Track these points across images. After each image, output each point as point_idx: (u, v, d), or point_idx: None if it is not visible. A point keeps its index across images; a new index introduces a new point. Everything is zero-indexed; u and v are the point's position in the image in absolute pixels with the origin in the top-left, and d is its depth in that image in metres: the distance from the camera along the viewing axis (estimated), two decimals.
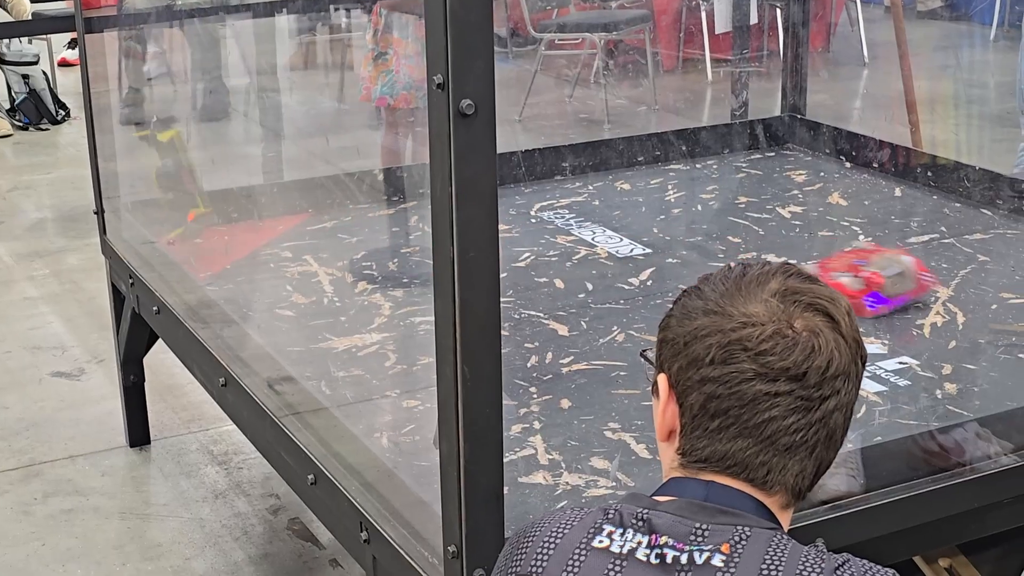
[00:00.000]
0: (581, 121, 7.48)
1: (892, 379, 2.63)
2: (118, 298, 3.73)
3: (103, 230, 3.77)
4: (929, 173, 3.88)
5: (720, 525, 1.42)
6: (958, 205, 3.71)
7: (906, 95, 4.67)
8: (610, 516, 1.46)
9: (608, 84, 7.51)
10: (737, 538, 1.41)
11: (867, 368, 2.62)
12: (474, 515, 1.81)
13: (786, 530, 1.52)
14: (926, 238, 3.46)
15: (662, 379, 1.51)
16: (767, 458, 1.45)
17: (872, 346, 2.79)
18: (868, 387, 2.59)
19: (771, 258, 3.31)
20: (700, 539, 1.42)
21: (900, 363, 2.71)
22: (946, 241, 3.42)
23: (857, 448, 2.30)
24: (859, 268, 2.99)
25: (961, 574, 2.89)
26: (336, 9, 7.02)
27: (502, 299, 3.09)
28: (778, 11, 6.79)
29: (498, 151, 4.26)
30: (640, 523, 1.44)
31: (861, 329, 2.78)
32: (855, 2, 9.27)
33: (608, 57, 7.83)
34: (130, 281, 3.47)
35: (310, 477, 2.37)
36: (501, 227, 3.62)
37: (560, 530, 1.48)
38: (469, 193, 1.68)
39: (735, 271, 1.52)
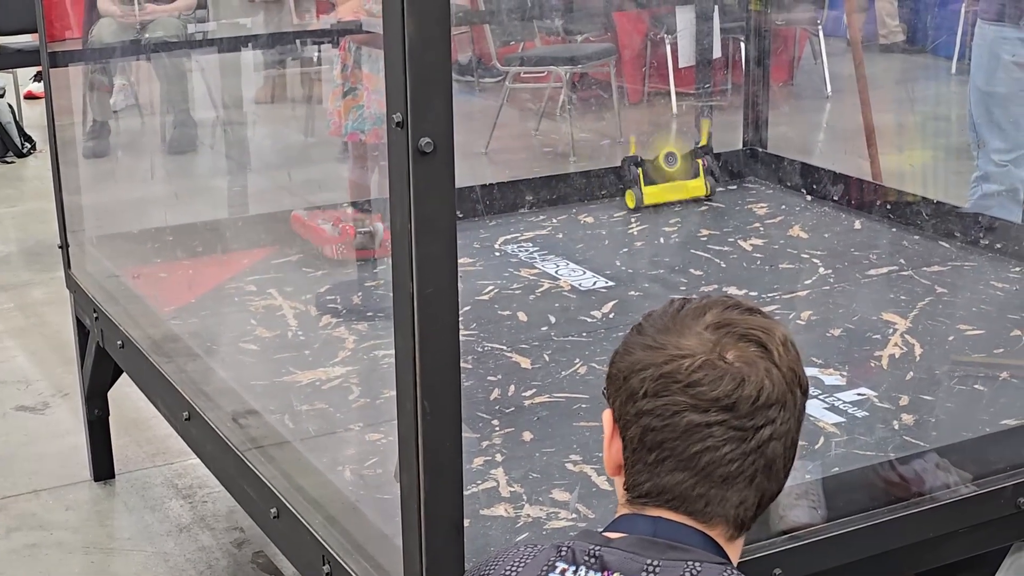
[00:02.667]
0: (547, 154, 7.52)
1: (850, 410, 2.67)
2: (82, 332, 3.73)
3: (67, 264, 3.77)
4: (888, 206, 3.93)
5: (671, 561, 1.44)
6: (916, 237, 3.76)
7: (865, 129, 4.73)
8: (563, 553, 1.47)
9: (573, 117, 7.56)
10: (688, 574, 1.43)
11: (825, 400, 2.68)
12: (434, 548, 1.83)
13: (736, 562, 1.54)
14: (885, 270, 3.50)
15: (607, 415, 1.54)
16: (704, 490, 1.46)
17: (830, 377, 2.82)
18: (826, 418, 2.63)
19: (732, 291, 3.35)
20: (652, 575, 1.43)
21: (858, 394, 2.74)
22: (904, 273, 3.46)
23: (818, 479, 2.33)
24: (339, 219, 3.69)
25: None
26: (304, 44, 7.05)
27: (465, 332, 3.14)
28: (741, 45, 6.87)
29: (463, 184, 4.30)
30: (592, 560, 1.46)
31: (819, 360, 2.83)
32: (818, 36, 9.36)
33: (573, 90, 7.88)
34: (94, 315, 3.47)
35: (273, 511, 2.38)
36: (465, 260, 3.67)
37: (514, 568, 1.50)
38: (428, 230, 1.70)
39: (675, 305, 1.55)
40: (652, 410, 1.47)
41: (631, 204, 4.08)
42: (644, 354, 1.50)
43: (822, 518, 2.27)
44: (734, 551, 1.53)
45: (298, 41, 6.95)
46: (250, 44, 5.53)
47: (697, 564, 1.43)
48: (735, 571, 1.46)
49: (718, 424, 1.45)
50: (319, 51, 6.19)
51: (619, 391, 1.51)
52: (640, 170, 4.13)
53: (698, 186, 4.17)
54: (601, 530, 1.53)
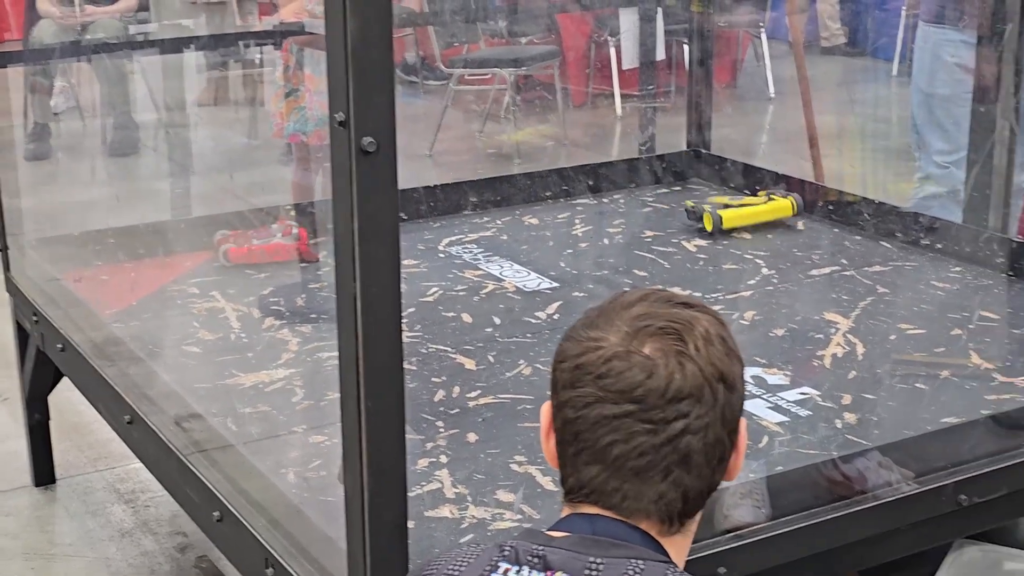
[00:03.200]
0: (491, 156, 7.53)
1: (793, 409, 2.68)
2: (22, 335, 3.68)
3: (7, 267, 3.73)
4: (830, 207, 3.96)
5: (614, 559, 1.43)
6: (858, 238, 3.79)
7: (808, 130, 4.76)
8: (506, 553, 1.47)
9: (517, 119, 7.56)
10: (632, 571, 1.42)
11: (769, 399, 2.69)
12: (379, 550, 1.82)
13: (683, 559, 1.54)
14: (827, 270, 3.52)
15: (545, 407, 1.54)
16: (618, 484, 1.46)
17: (773, 377, 2.84)
18: (770, 417, 2.64)
19: (676, 291, 3.35)
20: (595, 574, 1.43)
21: (802, 393, 2.76)
22: (847, 273, 3.49)
23: (762, 478, 2.34)
24: (291, 227, 3.66)
25: None
26: (247, 45, 7.02)
27: (410, 334, 3.13)
28: (685, 47, 6.91)
29: (408, 186, 4.28)
30: (536, 560, 1.45)
31: (762, 360, 2.84)
32: (760, 38, 9.43)
33: (518, 92, 7.89)
34: (34, 318, 3.43)
35: (216, 514, 2.37)
36: (409, 262, 3.66)
37: (457, 568, 1.49)
38: (372, 230, 1.69)
39: (610, 298, 1.55)
40: (568, 401, 1.48)
41: (708, 226, 3.81)
42: (566, 345, 1.51)
43: (766, 517, 2.28)
44: (676, 548, 1.51)
45: (241, 43, 6.92)
46: (192, 46, 5.48)
47: (640, 562, 1.43)
48: (677, 570, 1.46)
49: (626, 416, 1.44)
50: (261, 53, 6.16)
51: (550, 383, 1.52)
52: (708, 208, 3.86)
53: (784, 205, 3.92)
54: (546, 529, 1.53)
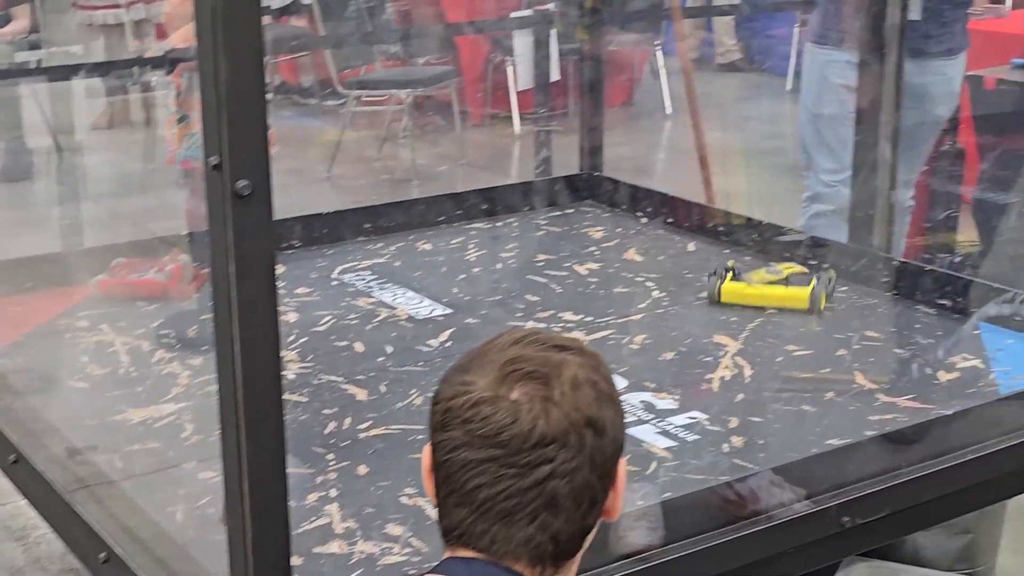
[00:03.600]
0: (390, 179, 7.52)
1: (681, 434, 2.71)
2: None
3: None
4: (720, 227, 4.01)
5: None
6: (748, 258, 3.83)
7: (699, 151, 4.82)
8: None
9: (415, 141, 7.57)
10: None
11: (657, 424, 2.72)
12: None
13: None
14: None
15: (426, 448, 1.55)
16: (486, 526, 1.47)
17: (662, 401, 2.87)
18: (658, 443, 2.67)
19: (568, 316, 3.38)
20: None
21: (690, 418, 2.79)
22: None
23: (656, 503, 2.35)
24: (164, 264, 3.67)
25: None
26: (142, 70, 6.95)
27: (301, 365, 3.12)
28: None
29: (304, 212, 4.23)
30: None
31: (652, 385, 2.87)
32: (656, 55, 9.53)
33: (416, 113, 7.90)
34: None
35: (102, 555, 2.33)
36: (301, 291, 3.64)
37: None
38: (248, 273, 1.69)
39: (487, 340, 1.57)
40: (439, 443, 1.50)
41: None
42: (441, 387, 1.53)
43: (661, 540, 2.30)
44: None
45: (136, 67, 6.85)
46: (82, 71, 5.42)
47: None
48: None
49: (491, 460, 1.45)
50: (153, 77, 6.11)
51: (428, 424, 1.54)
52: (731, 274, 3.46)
53: (797, 297, 3.39)
54: (425, 574, 1.53)
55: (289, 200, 6.76)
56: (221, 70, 1.62)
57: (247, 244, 1.68)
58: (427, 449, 1.57)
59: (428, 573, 1.52)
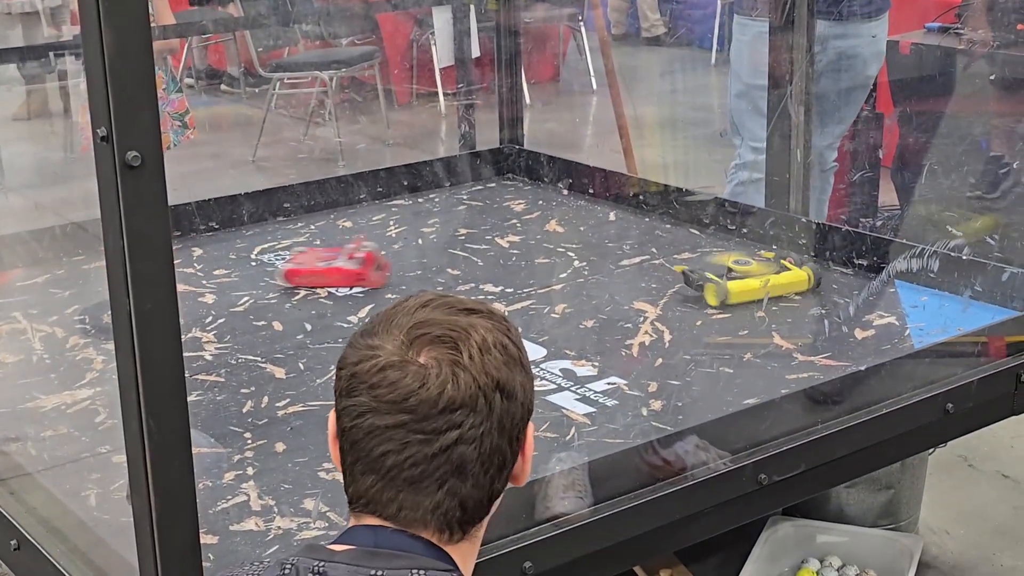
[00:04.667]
0: (314, 159, 7.47)
1: (601, 400, 2.71)
2: None
3: None
4: (641, 197, 4.01)
5: (395, 570, 1.42)
6: (668, 226, 3.85)
7: (618, 122, 4.82)
8: (286, 571, 1.44)
9: (340, 121, 7.52)
10: None
11: (577, 391, 2.72)
12: (170, 571, 1.79)
13: (471, 564, 1.54)
14: (637, 260, 3.57)
15: (331, 413, 1.53)
16: (393, 494, 1.45)
17: (582, 368, 2.87)
18: (577, 409, 2.67)
19: (488, 288, 3.38)
20: None
21: (608, 383, 2.79)
22: (656, 262, 3.54)
23: (582, 467, 2.35)
24: (353, 251, 3.47)
25: None
26: (59, 56, 6.85)
27: (218, 345, 3.08)
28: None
29: (226, 193, 4.17)
30: None
31: (572, 352, 2.86)
32: (581, 32, 9.53)
33: (341, 94, 7.85)
34: None
35: (13, 542, 2.30)
36: (220, 272, 3.60)
37: None
38: (142, 246, 1.66)
39: (394, 303, 1.54)
40: (344, 410, 1.47)
41: (712, 301, 3.19)
42: (347, 351, 1.50)
43: (579, 505, 2.30)
44: (461, 555, 1.50)
45: (52, 54, 6.75)
46: None
47: (421, 572, 1.42)
48: (460, 574, 1.46)
49: (399, 426, 1.43)
50: (66, 64, 6.02)
51: (333, 389, 1.51)
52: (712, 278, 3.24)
53: (800, 278, 3.27)
54: (329, 543, 1.51)
55: (213, 184, 6.72)
56: (105, 38, 1.59)
57: (139, 216, 1.66)
58: (332, 415, 1.54)
59: (333, 542, 1.50)
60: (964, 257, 3.17)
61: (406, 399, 1.42)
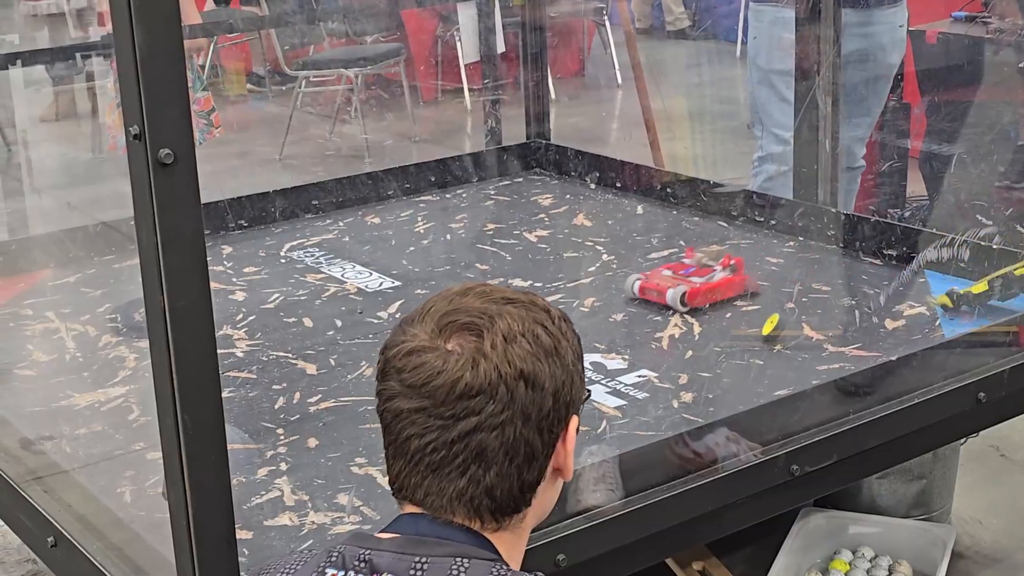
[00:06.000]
0: (341, 157, 7.49)
1: (631, 392, 2.71)
2: None
3: None
4: (668, 190, 4.01)
5: (439, 558, 1.43)
6: (696, 219, 3.84)
7: (644, 116, 4.81)
8: (333, 559, 1.46)
9: (366, 119, 7.53)
10: (456, 570, 1.42)
11: (608, 384, 2.72)
12: (207, 565, 1.80)
13: (518, 556, 1.54)
14: (665, 252, 3.57)
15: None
16: (419, 479, 1.46)
17: (612, 362, 2.87)
18: (608, 402, 2.67)
19: (517, 282, 3.38)
20: (420, 574, 1.42)
21: (639, 376, 2.79)
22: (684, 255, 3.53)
23: (613, 460, 2.35)
24: (724, 261, 3.25)
25: (714, 575, 3.00)
26: (85, 57, 6.89)
27: (250, 342, 3.10)
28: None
29: (254, 191, 4.18)
30: (362, 564, 1.44)
31: (601, 346, 2.87)
32: (605, 26, 9.51)
33: (367, 91, 7.87)
34: None
35: (50, 539, 2.32)
36: (250, 270, 3.62)
37: (285, 574, 1.48)
38: (175, 242, 1.67)
39: (443, 292, 1.55)
40: (379, 393, 1.50)
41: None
42: (389, 336, 1.51)
43: (610, 498, 2.30)
44: (506, 546, 1.51)
45: (78, 55, 6.78)
46: (19, 61, 5.35)
47: (465, 561, 1.43)
48: (504, 567, 1.45)
49: (420, 411, 1.45)
50: (92, 64, 6.05)
51: None
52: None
53: None
54: (377, 532, 1.52)
55: (239, 182, 6.75)
56: (136, 37, 1.60)
57: (173, 214, 1.67)
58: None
59: (382, 531, 1.51)
60: (994, 246, 3.15)
61: (426, 383, 1.45)
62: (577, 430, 1.54)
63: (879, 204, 4.91)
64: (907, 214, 5.00)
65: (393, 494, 1.51)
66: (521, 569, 1.51)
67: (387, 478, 1.55)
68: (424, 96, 8.68)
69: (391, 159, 7.12)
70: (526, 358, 1.46)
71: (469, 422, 1.44)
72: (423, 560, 1.43)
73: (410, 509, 1.51)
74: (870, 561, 3.13)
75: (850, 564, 3.13)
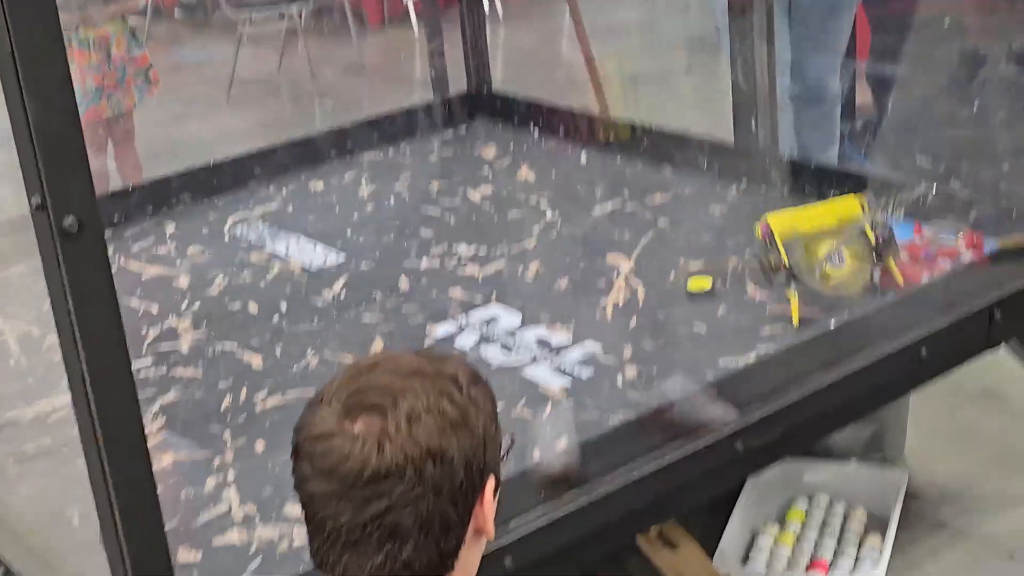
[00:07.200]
0: (290, 96, 7.40)
1: (576, 371, 2.72)
2: None
3: None
4: (611, 136, 3.98)
5: None
6: (639, 165, 3.82)
7: (586, 62, 4.76)
8: None
9: (313, 53, 7.42)
10: None
11: (553, 361, 2.72)
12: None
13: None
14: (609, 206, 3.55)
15: None
16: (337, 556, 1.47)
17: (557, 335, 2.87)
18: (553, 382, 2.68)
19: (462, 248, 3.36)
20: None
21: (584, 351, 2.79)
22: (628, 211, 3.51)
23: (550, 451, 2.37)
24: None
25: (672, 537, 3.03)
26: None
27: (195, 333, 3.07)
28: None
29: (200, 161, 4.04)
30: None
31: (546, 317, 2.84)
32: None
33: (312, 22, 7.74)
34: None
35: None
36: (194, 250, 3.57)
37: None
38: (88, 309, 1.66)
39: (353, 363, 1.55)
40: (293, 472, 1.50)
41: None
42: (300, 415, 1.51)
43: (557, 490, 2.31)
44: None
45: None
46: None
47: None
48: None
49: (331, 495, 1.45)
50: None
51: None
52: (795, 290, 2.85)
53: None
54: None
55: (188, 131, 6.67)
56: (29, 111, 1.57)
57: (83, 280, 1.66)
58: None
59: None
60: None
61: (335, 469, 1.45)
62: (496, 489, 1.54)
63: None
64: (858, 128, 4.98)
65: (315, 567, 1.52)
66: None
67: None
68: (371, 21, 8.56)
69: (344, 94, 7.03)
70: (432, 435, 1.45)
71: (380, 504, 1.44)
72: None
73: None
74: (825, 509, 3.17)
75: (806, 513, 3.17)
